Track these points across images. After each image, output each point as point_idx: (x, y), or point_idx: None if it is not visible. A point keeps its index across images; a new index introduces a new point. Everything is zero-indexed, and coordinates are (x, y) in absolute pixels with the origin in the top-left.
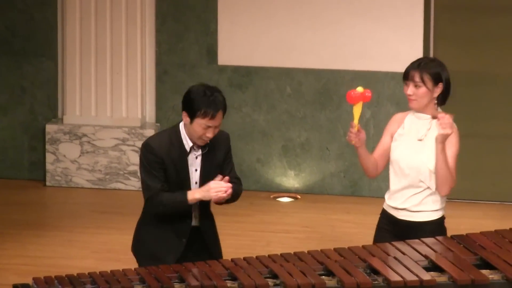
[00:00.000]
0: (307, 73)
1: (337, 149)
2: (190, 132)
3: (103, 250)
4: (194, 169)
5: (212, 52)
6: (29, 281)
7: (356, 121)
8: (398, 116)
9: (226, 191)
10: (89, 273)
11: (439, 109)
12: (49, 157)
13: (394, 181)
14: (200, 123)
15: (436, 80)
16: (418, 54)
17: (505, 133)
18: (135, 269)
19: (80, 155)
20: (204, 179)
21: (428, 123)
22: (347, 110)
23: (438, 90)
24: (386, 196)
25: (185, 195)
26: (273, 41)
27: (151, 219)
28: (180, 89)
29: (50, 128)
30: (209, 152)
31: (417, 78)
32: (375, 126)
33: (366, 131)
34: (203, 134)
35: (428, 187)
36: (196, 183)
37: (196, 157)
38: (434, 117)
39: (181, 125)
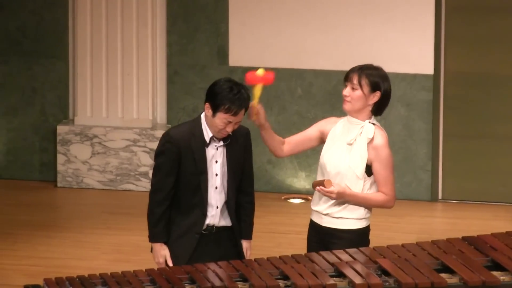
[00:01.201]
0: (317, 74)
1: None
2: (211, 125)
3: (114, 251)
4: (214, 161)
5: (222, 53)
6: (40, 282)
7: (255, 101)
8: (333, 118)
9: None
10: (100, 274)
11: (373, 119)
12: (60, 158)
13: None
14: (222, 117)
15: (374, 87)
16: (429, 55)
17: None
18: (146, 270)
19: (91, 156)
20: (225, 172)
21: (359, 128)
22: None
23: (375, 98)
24: (312, 202)
25: (157, 237)
26: (283, 42)
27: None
28: (191, 90)
29: (61, 129)
30: (231, 146)
31: (355, 80)
32: (386, 128)
33: None
34: (223, 128)
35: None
36: (216, 174)
37: (217, 148)
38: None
39: (202, 116)
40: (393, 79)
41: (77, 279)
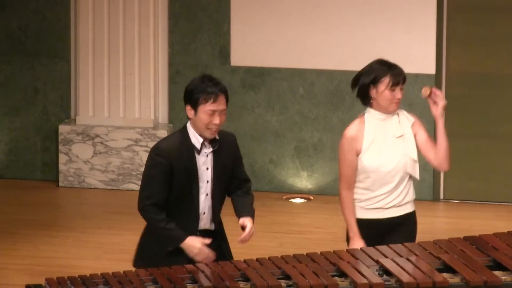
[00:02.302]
0: (319, 74)
1: None
2: (198, 126)
3: (116, 250)
4: (205, 168)
5: (224, 52)
6: (42, 281)
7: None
8: (351, 132)
9: (210, 260)
10: (101, 274)
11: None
12: (62, 158)
13: (378, 185)
14: (204, 109)
15: None
16: (431, 55)
17: None
18: (147, 269)
19: (92, 156)
20: (216, 179)
21: (396, 118)
22: (359, 111)
23: None
24: (363, 203)
25: (183, 238)
26: (286, 42)
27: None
28: None
29: (63, 128)
30: (218, 151)
31: (403, 82)
32: None
33: None
34: (210, 121)
35: (411, 176)
36: (207, 181)
37: (207, 155)
38: (427, 94)
39: (188, 125)
40: None
41: (79, 279)
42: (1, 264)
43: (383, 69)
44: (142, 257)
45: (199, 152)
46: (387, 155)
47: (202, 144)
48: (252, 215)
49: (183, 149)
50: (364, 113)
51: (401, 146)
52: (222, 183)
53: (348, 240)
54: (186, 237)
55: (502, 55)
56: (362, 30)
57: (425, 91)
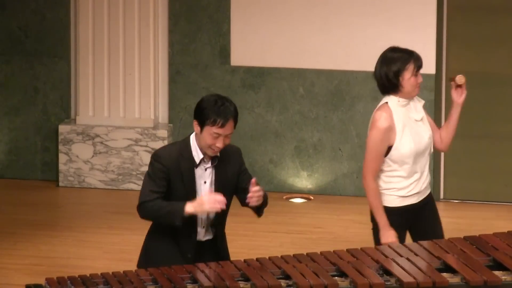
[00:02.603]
0: (319, 74)
1: (350, 149)
2: (201, 142)
3: (116, 250)
4: (202, 182)
5: (224, 52)
6: (42, 281)
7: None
8: (385, 123)
9: (221, 203)
10: (101, 274)
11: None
12: (62, 158)
13: (413, 171)
14: (209, 131)
15: None
16: (431, 55)
17: None
18: (147, 269)
19: (92, 156)
20: (217, 191)
21: (416, 101)
22: (359, 111)
23: None
24: (402, 192)
25: (183, 205)
26: (285, 41)
27: (158, 237)
28: (193, 90)
29: (63, 128)
30: (220, 165)
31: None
32: None
33: None
34: (213, 143)
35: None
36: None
37: (206, 169)
38: (462, 82)
39: (192, 137)
40: None
41: (79, 279)
42: (1, 264)
43: (404, 57)
44: (147, 261)
45: (197, 165)
46: (417, 139)
47: (202, 160)
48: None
49: (182, 160)
50: (386, 103)
51: (423, 129)
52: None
53: (375, 230)
54: (185, 204)
55: (502, 55)
56: (362, 30)
57: (460, 79)
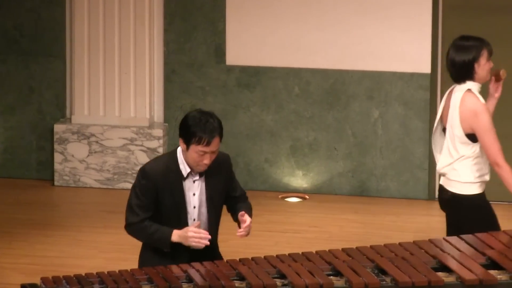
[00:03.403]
0: (315, 73)
1: (345, 149)
2: (188, 159)
3: (111, 249)
4: (191, 194)
5: (220, 51)
6: (37, 281)
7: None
8: (483, 104)
9: (205, 239)
10: (97, 273)
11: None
12: (57, 157)
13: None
14: (195, 149)
15: None
16: (426, 54)
17: None
18: (143, 269)
19: (88, 155)
20: (206, 204)
21: None
22: (355, 110)
23: None
24: (487, 177)
25: (170, 234)
26: (281, 41)
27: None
28: (188, 89)
29: (58, 127)
30: (209, 177)
31: None
32: (383, 126)
33: (374, 131)
34: (200, 161)
35: None
36: (194, 207)
37: (194, 181)
38: (504, 77)
39: (179, 150)
40: (390, 78)
41: (74, 278)
42: None
43: (477, 44)
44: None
45: (185, 178)
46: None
47: (189, 173)
48: (250, 214)
49: (169, 174)
50: (468, 89)
51: None
52: (211, 208)
53: None
54: (171, 234)
55: (497, 55)
56: (357, 29)
57: (504, 73)
